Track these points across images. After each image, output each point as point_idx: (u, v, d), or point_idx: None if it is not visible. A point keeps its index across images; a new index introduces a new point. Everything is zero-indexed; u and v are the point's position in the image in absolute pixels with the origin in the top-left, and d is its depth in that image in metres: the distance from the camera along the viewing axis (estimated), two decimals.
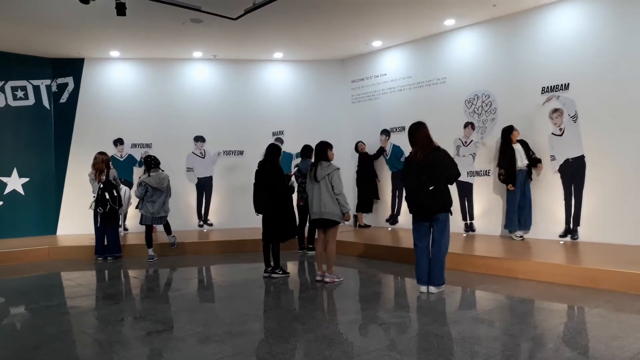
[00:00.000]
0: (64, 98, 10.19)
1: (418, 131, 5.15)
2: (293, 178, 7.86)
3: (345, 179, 6.13)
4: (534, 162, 7.61)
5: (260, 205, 6.35)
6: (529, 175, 7.62)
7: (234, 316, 4.59)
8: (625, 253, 6.14)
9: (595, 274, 5.28)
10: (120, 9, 6.35)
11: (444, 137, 8.26)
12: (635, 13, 6.78)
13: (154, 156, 7.97)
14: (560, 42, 7.55)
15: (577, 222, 7.32)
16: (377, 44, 9.87)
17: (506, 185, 7.59)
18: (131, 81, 10.46)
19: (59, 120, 10.17)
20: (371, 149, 10.07)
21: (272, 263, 6.37)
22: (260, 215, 6.44)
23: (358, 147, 10.03)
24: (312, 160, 6.63)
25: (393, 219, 9.98)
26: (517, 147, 7.57)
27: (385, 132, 10.08)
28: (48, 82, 10.15)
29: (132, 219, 9.71)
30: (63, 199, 10.06)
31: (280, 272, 6.36)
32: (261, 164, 6.45)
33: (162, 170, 7.93)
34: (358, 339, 3.95)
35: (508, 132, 7.63)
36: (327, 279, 5.94)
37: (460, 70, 8.85)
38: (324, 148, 5.99)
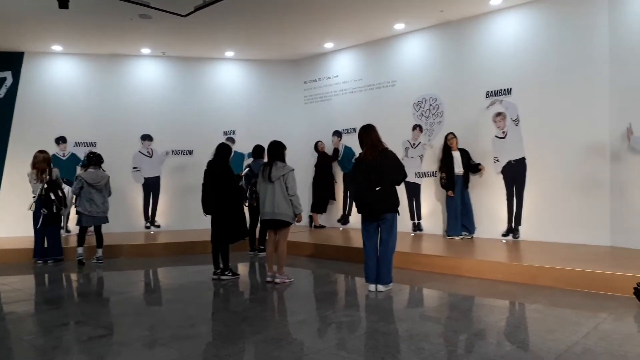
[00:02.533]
0: (1, 93, 9.66)
1: (367, 133, 5.24)
2: (243, 179, 7.79)
3: (299, 180, 6.13)
4: (473, 168, 7.91)
5: (209, 206, 6.25)
6: (467, 182, 7.89)
7: (180, 319, 4.50)
8: (563, 251, 6.46)
9: (534, 271, 5.53)
10: (63, 2, 6.09)
11: (393, 139, 8.35)
12: (574, 21, 7.15)
13: (97, 153, 7.70)
14: (503, 48, 7.86)
15: (518, 222, 7.64)
16: (329, 45, 9.94)
17: (446, 191, 7.85)
18: (75, 77, 10.06)
19: None
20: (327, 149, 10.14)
21: (221, 265, 6.28)
22: (209, 217, 6.32)
23: (318, 147, 10.06)
24: (265, 160, 6.59)
25: (344, 219, 10.08)
26: (456, 154, 7.85)
27: (337, 134, 10.16)
28: None
29: (74, 220, 9.33)
30: None
31: (230, 274, 6.27)
32: (210, 164, 6.33)
33: (104, 170, 7.63)
34: (307, 339, 3.96)
35: (446, 138, 7.94)
36: (277, 280, 5.92)
37: (409, 74, 9.05)
38: (280, 148, 5.96)
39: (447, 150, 7.90)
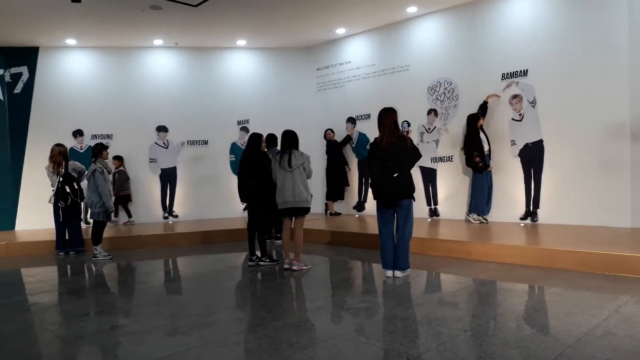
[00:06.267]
0: (18, 88, 9.80)
1: (387, 116, 5.20)
2: None
3: (313, 168, 6.15)
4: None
5: (245, 194, 6.33)
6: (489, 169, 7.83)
7: (200, 307, 4.56)
8: (582, 233, 6.39)
9: (552, 255, 5.47)
10: None
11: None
12: (592, 2, 6.98)
13: (97, 144, 7.54)
14: (519, 29, 7.71)
15: (536, 205, 7.55)
16: (341, 31, 9.86)
17: (485, 169, 7.73)
18: (89, 70, 10.15)
19: (14, 112, 9.79)
20: (338, 137, 10.10)
21: (257, 252, 6.36)
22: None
23: (326, 135, 10.05)
24: (278, 148, 6.60)
25: (360, 206, 10.07)
26: (481, 135, 7.75)
27: (351, 120, 10.12)
28: (1, 72, 9.75)
29: None
30: (21, 193, 9.73)
31: (268, 260, 6.35)
32: (244, 154, 6.45)
33: (98, 162, 7.28)
34: (325, 325, 3.99)
35: (475, 119, 7.78)
36: (294, 267, 5.95)
37: (423, 58, 8.94)
38: (296, 136, 5.99)
39: (474, 131, 7.75)
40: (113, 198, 7.77)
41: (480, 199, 7.84)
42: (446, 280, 5.41)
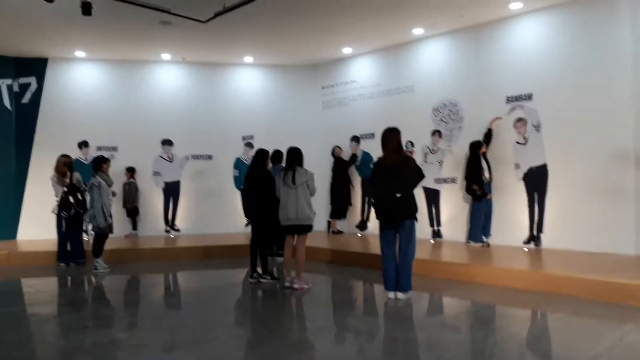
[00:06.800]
0: (26, 98, 9.88)
1: (390, 136, 5.21)
2: None
3: (317, 185, 6.14)
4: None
5: (249, 210, 6.32)
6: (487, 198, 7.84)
7: (200, 323, 4.52)
8: (586, 259, 6.34)
9: (557, 280, 5.42)
10: (86, 9, 6.22)
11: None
12: (595, 26, 7.03)
13: (96, 158, 7.57)
14: (523, 53, 7.76)
15: (540, 229, 7.52)
16: (347, 50, 9.94)
17: (484, 197, 7.72)
18: (97, 82, 10.23)
19: (21, 121, 9.85)
20: (344, 155, 10.14)
21: (258, 269, 6.33)
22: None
23: (335, 152, 10.07)
24: (283, 165, 6.61)
25: (363, 225, 10.04)
26: (483, 163, 7.78)
27: (355, 139, 10.15)
28: (9, 81, 9.83)
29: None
30: (24, 202, 9.73)
31: (269, 278, 6.31)
32: (249, 170, 6.44)
33: (104, 176, 7.32)
34: (325, 346, 3.94)
35: (477, 147, 7.81)
36: (295, 285, 5.91)
37: (428, 79, 8.99)
38: (300, 154, 6.00)
39: (476, 158, 7.78)
40: (125, 210, 7.74)
41: (476, 226, 7.83)
42: (448, 303, 5.36)
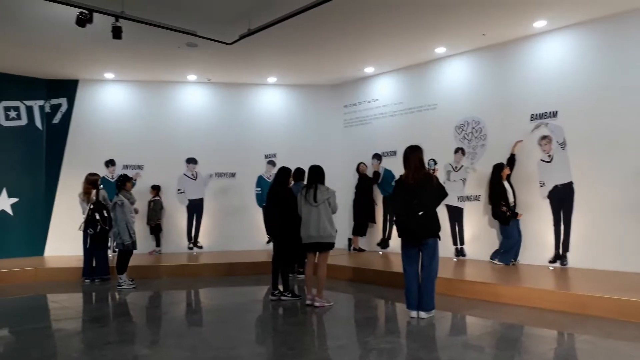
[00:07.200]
0: (56, 119, 10.20)
1: (412, 154, 5.20)
2: None
3: (338, 203, 6.15)
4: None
5: (271, 227, 6.37)
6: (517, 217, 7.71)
7: (222, 341, 4.54)
8: (614, 279, 6.17)
9: (584, 300, 5.29)
10: (117, 33, 6.43)
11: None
12: (620, 43, 6.96)
13: (120, 176, 7.73)
14: (548, 71, 7.71)
15: (566, 248, 7.36)
16: (369, 70, 10.02)
17: (514, 217, 7.61)
18: (125, 103, 10.50)
19: (51, 141, 10.17)
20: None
21: (280, 287, 6.34)
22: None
23: (359, 168, 10.09)
24: (304, 183, 6.66)
25: (384, 243, 9.98)
26: (506, 185, 7.68)
27: (377, 156, 10.15)
28: (41, 102, 10.17)
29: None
30: (52, 219, 9.98)
31: (290, 295, 6.31)
32: (271, 188, 6.50)
33: (127, 194, 7.51)
34: None
35: (499, 169, 7.74)
36: (317, 304, 5.89)
37: (450, 97, 8.98)
38: (322, 171, 6.04)
39: (497, 181, 7.69)
40: (149, 227, 7.84)
41: (509, 249, 7.68)
42: (472, 323, 5.27)
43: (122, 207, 7.29)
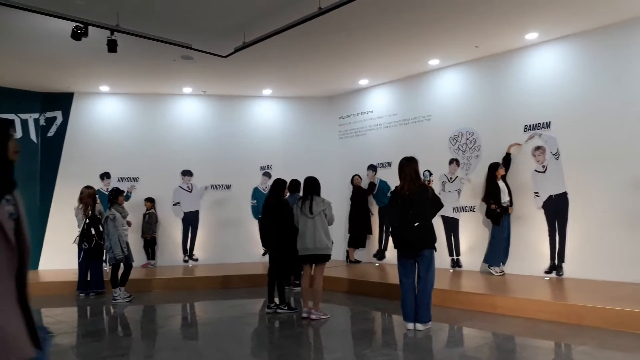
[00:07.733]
0: (51, 132, 10.18)
1: (408, 165, 5.22)
2: None
3: (334, 215, 6.16)
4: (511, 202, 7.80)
5: (267, 239, 6.35)
6: (508, 212, 7.76)
7: (217, 355, 4.51)
8: (610, 289, 6.18)
9: (580, 311, 5.30)
10: (112, 46, 6.45)
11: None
12: (612, 54, 7.04)
13: (112, 190, 7.70)
14: (541, 82, 7.78)
15: (561, 259, 7.38)
16: (363, 82, 10.08)
17: (505, 213, 7.66)
18: (120, 115, 10.51)
19: (46, 154, 10.13)
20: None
21: (275, 299, 6.32)
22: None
23: (354, 181, 10.11)
24: (300, 194, 6.66)
25: (380, 255, 9.97)
26: (501, 184, 7.72)
27: (372, 168, 10.18)
28: (36, 115, 10.16)
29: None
30: (46, 233, 9.92)
31: (286, 308, 6.29)
32: (267, 200, 6.49)
33: (119, 208, 7.49)
34: None
35: (494, 168, 7.79)
36: (313, 316, 5.87)
37: (444, 108, 9.04)
38: (318, 183, 6.04)
39: (492, 180, 7.75)
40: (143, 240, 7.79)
41: (496, 250, 7.72)
42: (469, 335, 5.26)
43: (114, 221, 7.27)
